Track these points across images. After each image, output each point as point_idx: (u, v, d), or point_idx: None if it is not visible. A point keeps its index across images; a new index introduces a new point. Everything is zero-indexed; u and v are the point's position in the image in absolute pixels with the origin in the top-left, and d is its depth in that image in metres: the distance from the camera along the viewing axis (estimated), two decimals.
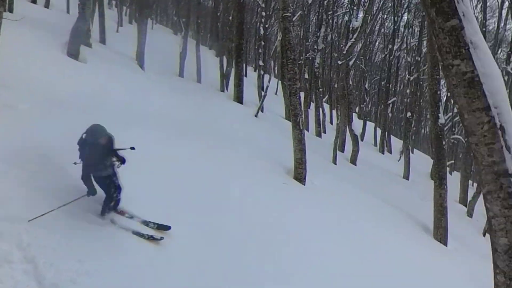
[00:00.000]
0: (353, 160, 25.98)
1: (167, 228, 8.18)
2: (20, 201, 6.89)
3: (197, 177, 10.66)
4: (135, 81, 19.90)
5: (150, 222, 8.21)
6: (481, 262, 13.76)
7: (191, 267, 7.37)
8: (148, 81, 21.35)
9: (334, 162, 22.74)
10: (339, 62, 29.46)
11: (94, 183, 7.75)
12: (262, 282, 7.85)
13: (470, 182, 35.01)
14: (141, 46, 25.27)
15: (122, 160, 8.10)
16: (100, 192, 7.88)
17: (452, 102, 35.62)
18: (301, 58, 37.96)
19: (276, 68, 38.29)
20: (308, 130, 28.64)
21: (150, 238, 7.84)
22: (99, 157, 7.79)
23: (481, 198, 25.46)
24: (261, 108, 25.38)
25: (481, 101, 3.83)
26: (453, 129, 37.65)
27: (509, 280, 4.04)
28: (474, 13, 34.60)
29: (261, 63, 35.09)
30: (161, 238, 7.87)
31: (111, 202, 8.07)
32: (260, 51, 36.24)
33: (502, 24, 34.13)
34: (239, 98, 25.46)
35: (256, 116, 23.86)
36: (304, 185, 14.85)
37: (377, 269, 10.46)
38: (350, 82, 28.39)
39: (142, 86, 19.37)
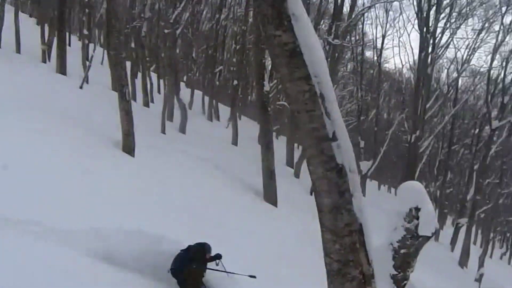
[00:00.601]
0: (182, 129, 26.11)
1: None
2: None
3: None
4: None
5: None
6: (310, 219, 14.62)
7: None
8: None
9: (163, 131, 22.72)
10: (166, 31, 29.20)
11: None
12: None
13: (296, 145, 36.66)
14: None
15: (219, 256, 7.94)
16: None
17: None
18: (127, 27, 37.11)
19: (101, 37, 37.18)
20: (135, 101, 28.19)
21: None
22: (203, 272, 7.76)
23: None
24: (86, 80, 24.57)
25: (302, 70, 3.98)
26: (278, 96, 38.97)
27: (335, 237, 4.32)
28: None
29: (85, 32, 33.81)
30: None
31: None
32: (84, 19, 34.88)
33: None
34: (62, 69, 24.35)
35: (81, 88, 23.06)
36: (134, 156, 14.69)
37: (211, 232, 10.67)
38: (178, 51, 28.35)
39: None
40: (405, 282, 11.59)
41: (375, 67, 46.76)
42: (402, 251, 11.06)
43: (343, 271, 4.35)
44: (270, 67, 31.01)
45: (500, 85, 33.12)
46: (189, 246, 7.78)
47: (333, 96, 4.19)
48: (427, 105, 34.09)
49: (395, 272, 11.15)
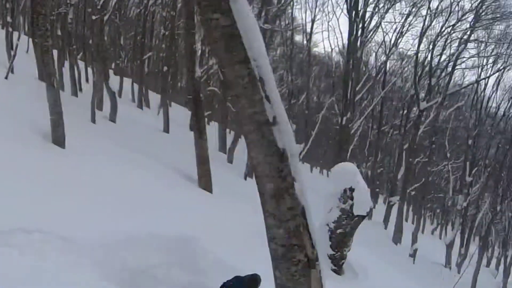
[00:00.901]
0: (112, 118, 25.64)
1: None
2: None
3: None
4: None
5: None
6: (246, 203, 14.68)
7: None
8: None
9: (93, 121, 22.26)
10: (93, 17, 28.52)
11: None
12: None
13: (228, 130, 36.68)
14: None
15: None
16: None
17: (207, 55, 36.74)
18: (53, 13, 36.01)
19: (26, 24, 35.99)
20: (63, 90, 27.41)
21: None
22: None
23: (239, 145, 27.14)
24: (11, 69, 23.76)
25: (240, 54, 3.91)
26: (209, 81, 38.84)
27: (279, 222, 4.30)
28: None
29: (9, 19, 32.59)
30: None
31: None
32: (7, 6, 33.57)
33: None
34: None
35: (6, 78, 22.29)
36: (64, 148, 14.31)
37: (146, 222, 10.53)
38: (105, 38, 27.80)
39: None
40: (342, 261, 11.78)
41: (304, 51, 47.16)
42: (338, 231, 11.23)
43: (288, 256, 4.35)
44: (199, 52, 30.84)
45: (427, 68, 33.98)
46: (239, 276, 7.77)
47: (273, 79, 4.15)
48: (357, 88, 34.67)
49: (333, 252, 11.33)
